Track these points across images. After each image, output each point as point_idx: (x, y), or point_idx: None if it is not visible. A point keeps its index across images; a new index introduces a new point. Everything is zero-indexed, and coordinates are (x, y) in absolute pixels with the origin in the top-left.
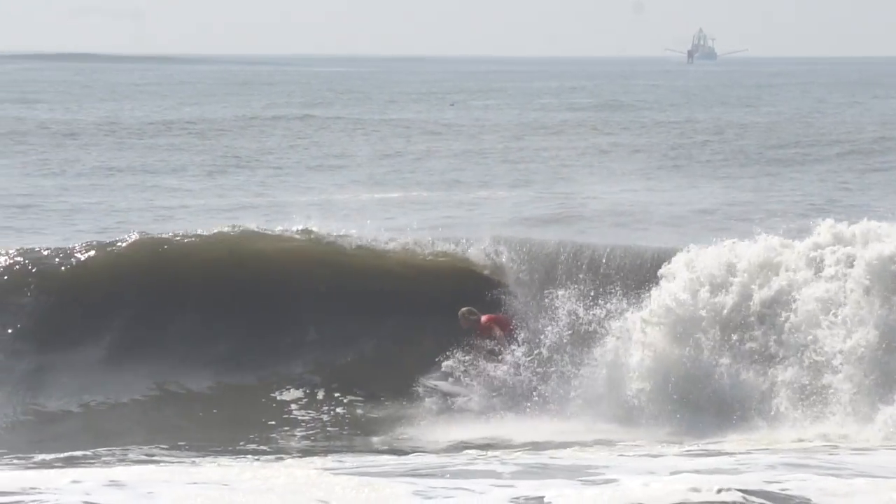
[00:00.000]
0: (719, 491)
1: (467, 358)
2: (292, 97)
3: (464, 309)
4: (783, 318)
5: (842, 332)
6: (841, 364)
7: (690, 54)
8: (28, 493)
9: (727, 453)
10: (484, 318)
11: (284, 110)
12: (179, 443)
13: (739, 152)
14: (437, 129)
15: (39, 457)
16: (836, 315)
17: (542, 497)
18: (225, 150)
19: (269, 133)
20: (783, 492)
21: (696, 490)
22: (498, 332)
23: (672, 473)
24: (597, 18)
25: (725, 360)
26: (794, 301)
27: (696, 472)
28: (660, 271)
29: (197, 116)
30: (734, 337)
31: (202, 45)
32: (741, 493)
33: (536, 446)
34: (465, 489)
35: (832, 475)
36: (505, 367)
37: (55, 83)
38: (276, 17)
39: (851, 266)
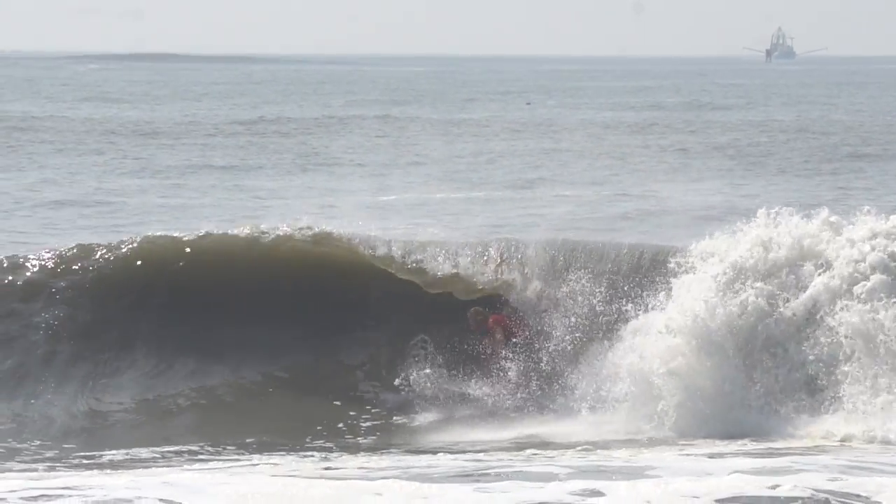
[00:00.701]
0: (774, 487)
1: (481, 358)
2: (370, 96)
3: (473, 308)
4: (831, 311)
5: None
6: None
7: (769, 53)
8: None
9: (783, 453)
10: (491, 318)
11: (363, 109)
12: (231, 443)
13: (821, 150)
14: (514, 127)
15: (106, 456)
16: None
17: (599, 491)
18: (307, 148)
19: (349, 132)
20: (844, 490)
21: (763, 487)
22: (499, 335)
23: (730, 473)
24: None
25: (766, 358)
26: (844, 294)
27: (755, 470)
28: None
29: (280, 115)
30: (777, 331)
31: (267, 44)
32: (810, 490)
33: (583, 446)
34: (527, 488)
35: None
36: (524, 367)
37: (132, 83)
38: (351, 16)
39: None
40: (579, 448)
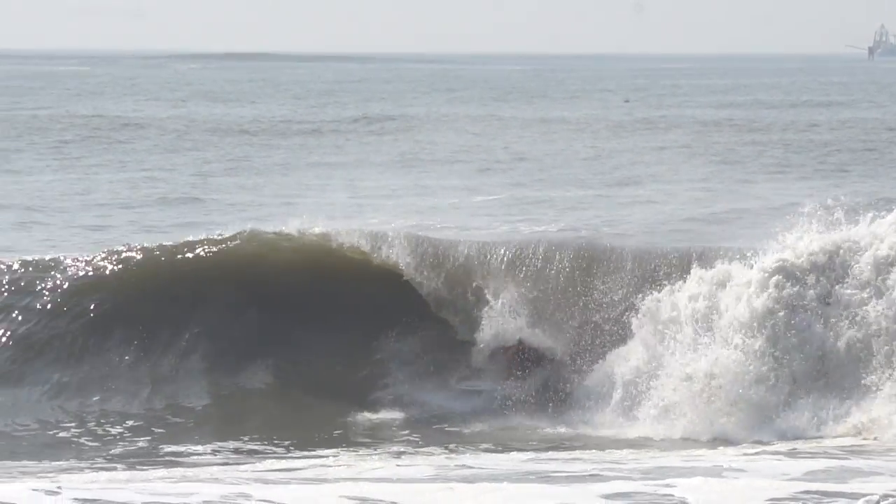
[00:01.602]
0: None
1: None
2: (473, 94)
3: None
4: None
5: None
6: None
7: (871, 51)
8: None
9: (860, 452)
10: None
11: (468, 108)
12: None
13: None
14: (614, 125)
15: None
16: None
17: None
18: (409, 146)
19: (451, 130)
20: None
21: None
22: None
23: (805, 473)
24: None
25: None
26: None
27: (835, 472)
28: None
29: (393, 112)
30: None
31: (362, 43)
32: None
33: (640, 446)
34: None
35: None
36: (556, 368)
37: (239, 82)
38: (443, 15)
39: None
40: (646, 448)
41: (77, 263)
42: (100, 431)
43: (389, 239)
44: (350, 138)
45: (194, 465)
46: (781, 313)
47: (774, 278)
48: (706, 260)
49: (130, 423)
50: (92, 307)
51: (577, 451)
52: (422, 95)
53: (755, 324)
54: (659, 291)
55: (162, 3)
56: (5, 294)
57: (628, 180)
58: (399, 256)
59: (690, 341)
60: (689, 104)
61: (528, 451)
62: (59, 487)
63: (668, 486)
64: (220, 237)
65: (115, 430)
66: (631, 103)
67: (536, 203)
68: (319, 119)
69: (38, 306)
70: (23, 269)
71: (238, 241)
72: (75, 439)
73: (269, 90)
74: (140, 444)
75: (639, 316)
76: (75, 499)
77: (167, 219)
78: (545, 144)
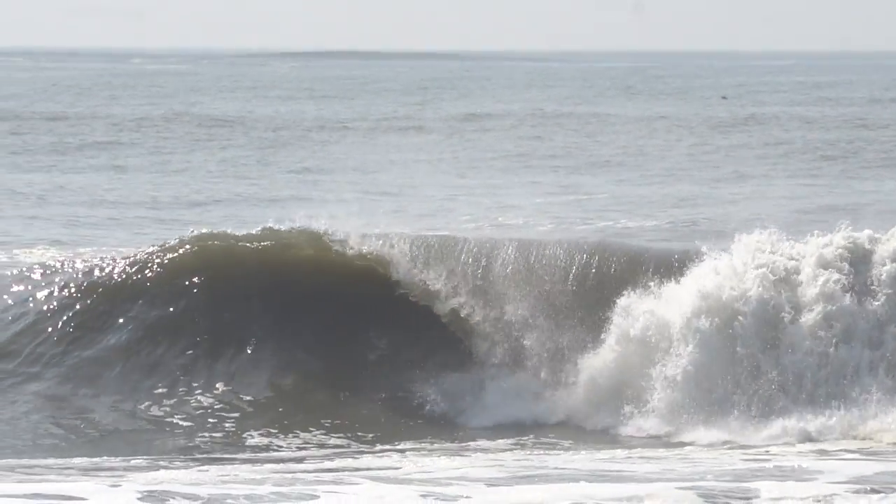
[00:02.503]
0: None
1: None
2: (572, 91)
3: None
4: None
5: None
6: None
7: None
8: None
9: None
10: None
11: (571, 107)
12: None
13: None
14: (713, 122)
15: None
16: None
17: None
18: (519, 144)
19: (561, 128)
20: None
21: None
22: None
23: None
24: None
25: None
26: None
27: None
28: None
29: (498, 111)
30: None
31: (467, 41)
32: None
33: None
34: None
35: None
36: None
37: (335, 80)
38: (532, 13)
39: None
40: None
41: (136, 259)
42: (157, 427)
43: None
44: (453, 136)
45: (253, 461)
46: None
47: None
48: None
49: (187, 418)
50: (152, 302)
51: (647, 450)
52: (521, 92)
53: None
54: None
55: (161, 3)
56: (72, 288)
57: (730, 177)
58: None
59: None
60: (787, 101)
61: (587, 450)
62: (120, 483)
63: (750, 487)
64: (278, 233)
65: (175, 425)
66: (729, 100)
67: (639, 200)
68: (423, 116)
69: (91, 303)
70: (84, 265)
71: (301, 241)
72: (138, 434)
73: (371, 87)
74: (204, 437)
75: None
76: (141, 492)
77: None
78: (647, 141)
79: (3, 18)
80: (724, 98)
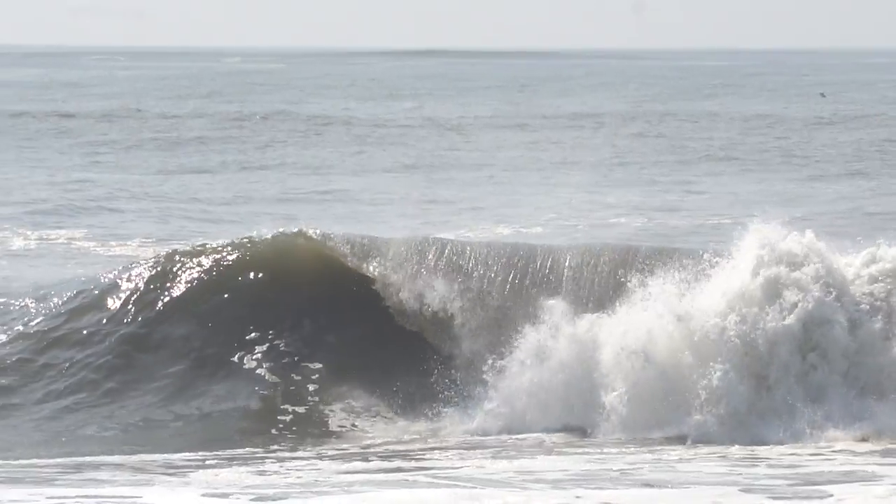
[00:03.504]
0: None
1: None
2: (671, 90)
3: None
4: None
5: None
6: None
7: None
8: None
9: None
10: None
11: (666, 105)
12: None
13: None
14: (814, 120)
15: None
16: None
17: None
18: (627, 140)
19: (665, 127)
20: None
21: None
22: None
23: None
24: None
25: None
26: None
27: None
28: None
29: (596, 108)
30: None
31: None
32: None
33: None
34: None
35: None
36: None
37: (424, 78)
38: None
39: None
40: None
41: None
42: (221, 423)
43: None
44: (556, 134)
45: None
46: None
47: None
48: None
49: (251, 415)
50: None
51: (702, 448)
52: (618, 91)
53: None
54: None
55: (161, 3)
56: (152, 282)
57: (823, 175)
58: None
59: None
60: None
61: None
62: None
63: (824, 492)
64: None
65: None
66: (827, 97)
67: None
68: (526, 114)
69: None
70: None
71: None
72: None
73: (464, 86)
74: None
75: None
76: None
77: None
78: (745, 139)
79: (3, 18)
80: (822, 95)
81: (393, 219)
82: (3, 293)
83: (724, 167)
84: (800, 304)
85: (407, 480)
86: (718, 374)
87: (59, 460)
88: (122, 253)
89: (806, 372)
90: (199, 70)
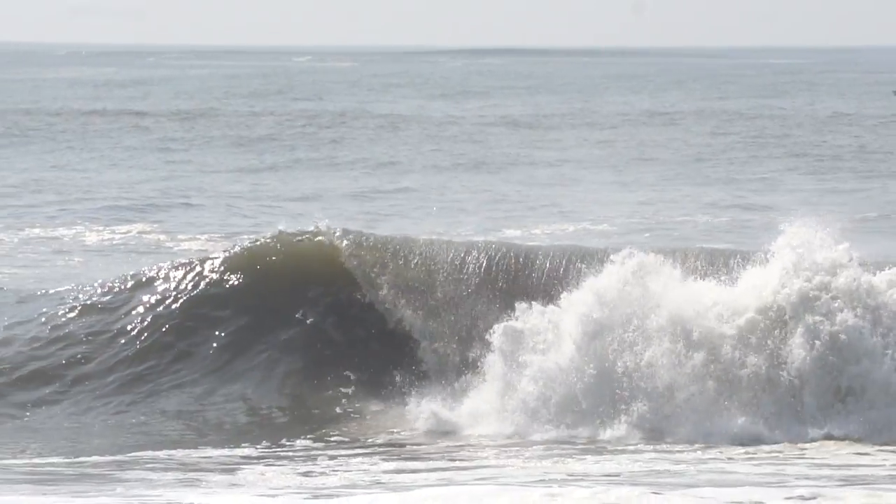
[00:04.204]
0: None
1: None
2: (742, 89)
3: None
4: None
5: None
6: None
7: None
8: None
9: None
10: None
11: (738, 103)
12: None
13: None
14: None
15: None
16: None
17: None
18: (711, 138)
19: (742, 125)
20: None
21: None
22: None
23: None
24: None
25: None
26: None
27: None
28: None
29: (685, 108)
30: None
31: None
32: None
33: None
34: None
35: None
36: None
37: (495, 76)
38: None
39: None
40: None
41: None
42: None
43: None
44: (631, 131)
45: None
46: None
47: None
48: None
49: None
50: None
51: (770, 449)
52: (690, 89)
53: None
54: None
55: (160, 3)
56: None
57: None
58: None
59: None
60: None
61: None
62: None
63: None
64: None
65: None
66: None
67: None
68: (599, 112)
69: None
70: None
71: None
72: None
73: (532, 84)
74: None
75: None
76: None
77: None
78: (830, 137)
79: (4, 16)
80: (895, 93)
81: (459, 215)
82: (65, 288)
83: (801, 164)
84: (823, 327)
85: (465, 479)
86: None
87: (107, 458)
88: (189, 247)
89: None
90: (270, 69)
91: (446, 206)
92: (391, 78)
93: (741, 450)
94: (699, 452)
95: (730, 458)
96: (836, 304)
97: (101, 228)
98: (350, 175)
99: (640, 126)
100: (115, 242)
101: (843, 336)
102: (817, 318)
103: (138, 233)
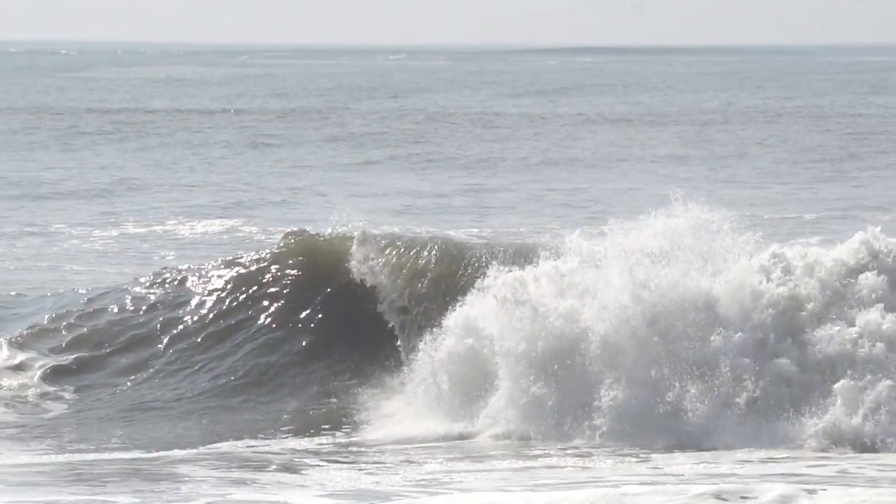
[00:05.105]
0: None
1: None
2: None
3: None
4: None
5: None
6: None
7: None
8: None
9: None
10: None
11: (792, 101)
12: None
13: None
14: None
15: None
16: None
17: None
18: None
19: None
20: None
21: None
22: None
23: None
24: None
25: None
26: None
27: None
28: None
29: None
30: None
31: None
32: None
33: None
34: None
35: None
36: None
37: (588, 74)
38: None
39: None
40: None
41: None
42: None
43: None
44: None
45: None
46: None
47: None
48: None
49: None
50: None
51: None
52: (785, 86)
53: None
54: None
55: (160, 3)
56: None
57: None
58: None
59: None
60: None
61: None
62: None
63: None
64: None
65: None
66: None
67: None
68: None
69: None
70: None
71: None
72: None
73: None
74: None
75: None
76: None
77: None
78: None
79: (6, 15)
80: None
81: (547, 210)
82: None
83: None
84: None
85: (535, 479)
86: None
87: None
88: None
89: None
90: (364, 67)
91: (541, 202)
92: (485, 76)
93: None
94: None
95: None
96: None
97: (194, 223)
98: (448, 172)
99: (742, 123)
100: (207, 236)
101: None
102: None
103: (230, 227)
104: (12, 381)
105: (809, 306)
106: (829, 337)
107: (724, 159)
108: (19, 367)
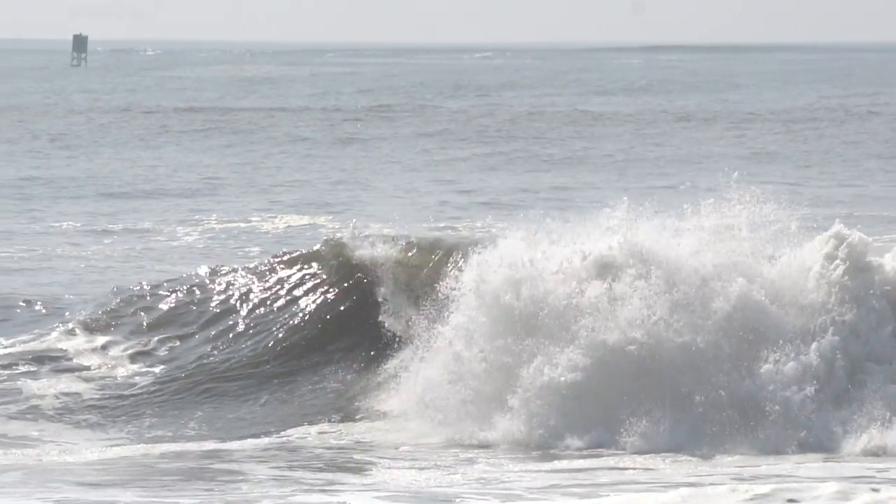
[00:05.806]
0: None
1: None
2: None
3: None
4: None
5: None
6: None
7: None
8: None
9: None
10: None
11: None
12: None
13: None
14: None
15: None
16: None
17: None
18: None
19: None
20: None
21: None
22: None
23: None
24: None
25: None
26: None
27: None
28: None
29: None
30: None
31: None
32: None
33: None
34: None
35: None
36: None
37: (668, 72)
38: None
39: None
40: None
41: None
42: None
43: None
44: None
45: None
46: None
47: None
48: None
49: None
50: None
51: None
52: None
53: None
54: None
55: (160, 2)
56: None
57: None
58: None
59: None
60: None
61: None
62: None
63: None
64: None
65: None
66: None
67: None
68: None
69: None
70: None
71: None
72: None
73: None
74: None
75: None
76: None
77: None
78: None
79: (7, 14)
80: None
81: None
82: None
83: None
84: None
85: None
86: None
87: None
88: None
89: None
90: (446, 65)
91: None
92: (573, 74)
93: None
94: None
95: None
96: None
97: (275, 218)
98: (543, 168)
99: (831, 121)
100: (290, 233)
101: None
102: None
103: (311, 224)
104: (94, 361)
105: None
106: None
107: (822, 155)
108: (102, 349)
